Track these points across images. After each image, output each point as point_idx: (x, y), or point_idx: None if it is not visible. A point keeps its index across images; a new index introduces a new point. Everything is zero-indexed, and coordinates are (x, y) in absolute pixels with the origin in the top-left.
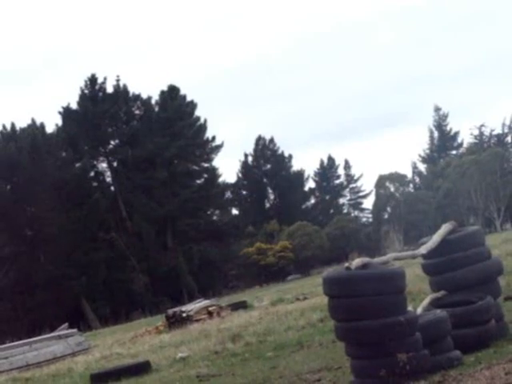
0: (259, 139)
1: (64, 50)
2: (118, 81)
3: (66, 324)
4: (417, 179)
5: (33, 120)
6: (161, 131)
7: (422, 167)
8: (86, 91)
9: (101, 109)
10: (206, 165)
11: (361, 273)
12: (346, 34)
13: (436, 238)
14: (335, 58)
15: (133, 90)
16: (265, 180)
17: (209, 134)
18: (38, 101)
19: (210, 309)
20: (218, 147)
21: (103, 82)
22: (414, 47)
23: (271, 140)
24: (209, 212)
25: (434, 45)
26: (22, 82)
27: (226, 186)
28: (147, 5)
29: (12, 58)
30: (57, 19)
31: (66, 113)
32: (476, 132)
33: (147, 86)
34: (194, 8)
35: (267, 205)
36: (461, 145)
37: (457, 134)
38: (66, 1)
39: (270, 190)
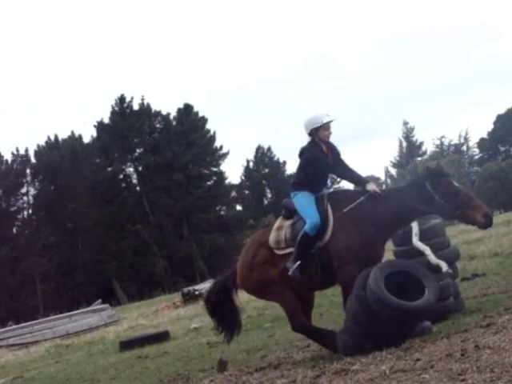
0: (259, 148)
1: (96, 75)
2: (142, 100)
3: (100, 300)
4: (389, 181)
5: (72, 132)
6: (178, 141)
7: (393, 171)
8: (116, 108)
9: (128, 123)
10: (214, 169)
11: None
12: (328, 62)
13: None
14: (322, 79)
15: (154, 107)
16: (263, 182)
17: (217, 144)
18: (77, 115)
19: None
20: (225, 155)
21: (130, 101)
22: (385, 71)
23: (269, 149)
24: (217, 208)
25: (402, 69)
26: (62, 100)
27: (232, 186)
28: (163, 39)
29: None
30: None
31: (100, 126)
32: (437, 142)
33: (166, 104)
34: (199, 41)
35: (265, 202)
36: (425, 153)
37: (421, 143)
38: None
39: (267, 190)
